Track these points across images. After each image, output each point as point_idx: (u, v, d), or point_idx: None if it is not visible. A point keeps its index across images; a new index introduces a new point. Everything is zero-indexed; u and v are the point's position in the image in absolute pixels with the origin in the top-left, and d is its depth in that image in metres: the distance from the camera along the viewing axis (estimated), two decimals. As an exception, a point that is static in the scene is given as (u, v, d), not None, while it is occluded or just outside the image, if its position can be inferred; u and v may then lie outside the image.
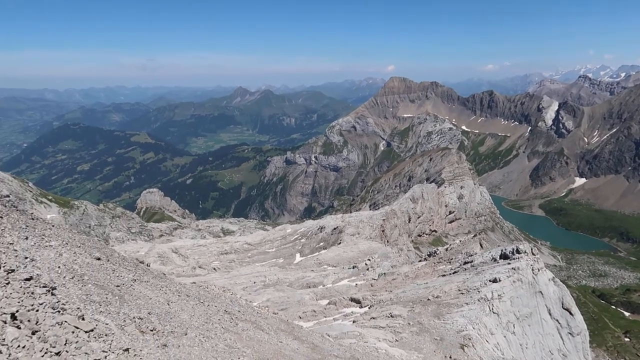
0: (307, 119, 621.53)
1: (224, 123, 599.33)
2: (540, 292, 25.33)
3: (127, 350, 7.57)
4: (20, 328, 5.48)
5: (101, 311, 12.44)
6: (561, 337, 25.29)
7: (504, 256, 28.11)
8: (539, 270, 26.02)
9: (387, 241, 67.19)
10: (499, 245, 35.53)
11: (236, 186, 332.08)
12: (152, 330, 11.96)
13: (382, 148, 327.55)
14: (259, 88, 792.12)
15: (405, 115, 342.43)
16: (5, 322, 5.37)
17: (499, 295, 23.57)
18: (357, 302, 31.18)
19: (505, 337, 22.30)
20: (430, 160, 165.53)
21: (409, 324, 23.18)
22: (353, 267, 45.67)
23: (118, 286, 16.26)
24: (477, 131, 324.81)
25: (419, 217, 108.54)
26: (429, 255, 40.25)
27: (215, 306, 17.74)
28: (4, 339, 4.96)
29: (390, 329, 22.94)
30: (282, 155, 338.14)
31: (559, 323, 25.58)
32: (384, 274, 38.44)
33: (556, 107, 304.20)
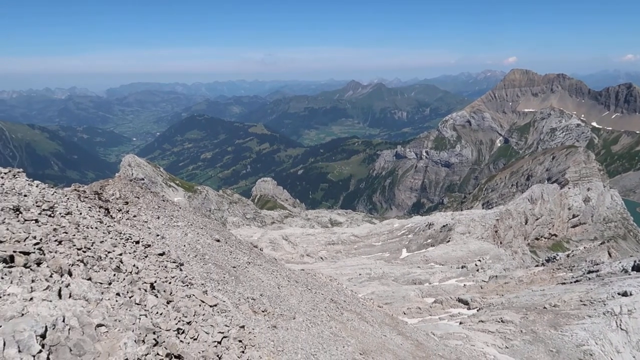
0: (419, 113, 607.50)
1: (335, 116, 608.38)
2: (681, 311, 22.40)
3: (242, 327, 8.15)
4: (157, 297, 6.20)
5: (219, 289, 13.51)
6: None
7: (637, 268, 25.27)
8: (680, 287, 23.01)
9: (500, 243, 63.71)
10: (631, 256, 31.99)
11: (345, 178, 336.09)
12: (263, 312, 12.73)
13: (499, 144, 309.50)
14: (372, 81, 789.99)
15: (526, 110, 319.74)
16: (146, 291, 6.12)
17: (629, 311, 21.27)
18: (465, 303, 30.12)
19: (634, 357, 20.10)
20: (553, 158, 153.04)
21: (521, 331, 21.89)
22: (462, 267, 44.10)
23: (234, 267, 17.50)
24: (610, 128, 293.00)
25: (537, 219, 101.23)
26: (548, 261, 37.53)
27: (322, 294, 18.31)
28: (145, 305, 5.67)
29: (500, 335, 21.86)
30: (392, 149, 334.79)
31: None
32: (496, 276, 36.60)
33: None
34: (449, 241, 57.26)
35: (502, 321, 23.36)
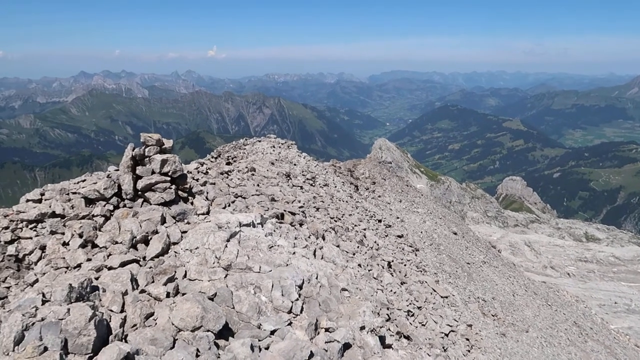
0: None
1: (610, 116, 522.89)
2: None
3: (470, 326, 7.96)
4: (393, 275, 6.55)
5: (450, 282, 13.39)
6: None
7: None
8: None
9: None
10: None
11: (613, 189, 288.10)
12: (493, 316, 12.14)
13: None
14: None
15: None
16: (383, 267, 6.52)
17: None
18: None
19: None
20: None
21: None
22: None
23: (468, 263, 17.08)
24: None
25: None
26: None
27: (564, 314, 16.41)
28: (382, 281, 6.07)
29: None
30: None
31: None
32: None
33: None
34: None
35: None
